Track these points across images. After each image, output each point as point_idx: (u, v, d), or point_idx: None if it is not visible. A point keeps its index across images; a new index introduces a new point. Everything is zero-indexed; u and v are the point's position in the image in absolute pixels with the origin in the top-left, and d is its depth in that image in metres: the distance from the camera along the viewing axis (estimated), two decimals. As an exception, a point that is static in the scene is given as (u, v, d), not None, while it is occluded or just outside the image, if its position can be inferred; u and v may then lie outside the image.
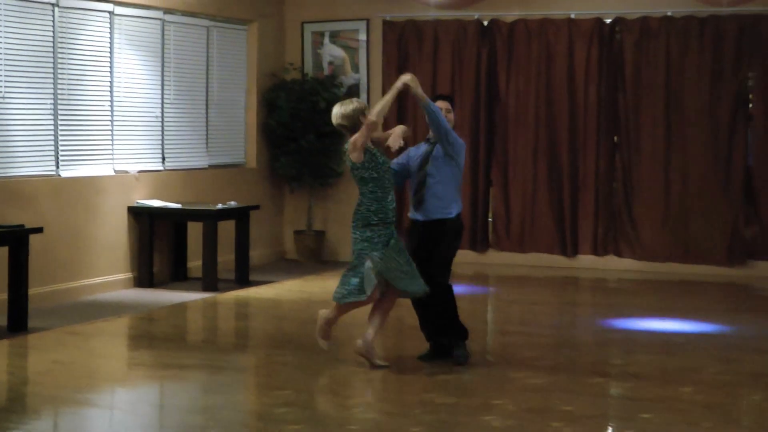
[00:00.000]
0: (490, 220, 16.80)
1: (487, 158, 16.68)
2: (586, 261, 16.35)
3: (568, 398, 9.03)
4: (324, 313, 9.94)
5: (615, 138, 16.29)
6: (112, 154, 14.06)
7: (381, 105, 9.83)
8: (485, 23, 16.67)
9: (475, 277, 15.57)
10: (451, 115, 10.17)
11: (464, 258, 16.53)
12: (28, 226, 11.72)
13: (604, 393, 9.41)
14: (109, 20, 13.93)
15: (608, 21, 16.23)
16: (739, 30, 15.65)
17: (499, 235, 16.73)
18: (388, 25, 16.96)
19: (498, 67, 16.67)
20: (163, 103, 14.90)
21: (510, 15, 16.48)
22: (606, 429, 8.36)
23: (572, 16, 16.30)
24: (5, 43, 12.45)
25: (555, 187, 16.44)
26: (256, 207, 15.30)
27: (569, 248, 16.42)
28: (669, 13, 15.83)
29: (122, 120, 14.18)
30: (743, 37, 15.67)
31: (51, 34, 13.06)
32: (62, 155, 13.29)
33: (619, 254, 16.27)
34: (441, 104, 10.06)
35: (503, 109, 16.64)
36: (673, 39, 15.93)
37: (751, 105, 15.77)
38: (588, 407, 8.79)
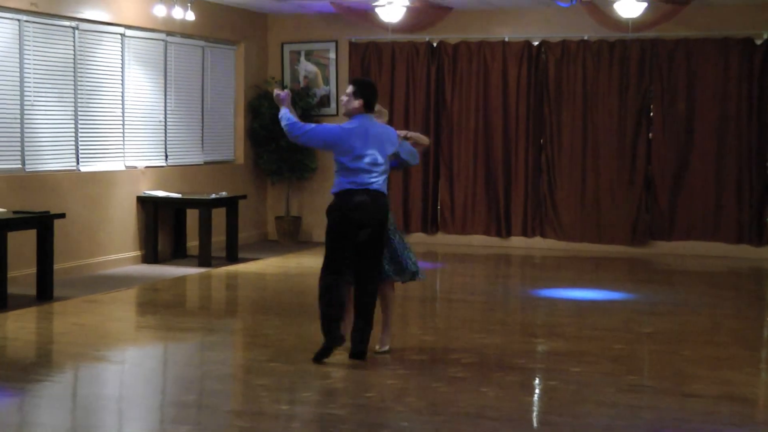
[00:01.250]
0: (438, 208, 16.83)
1: (435, 157, 16.69)
2: (517, 241, 16.39)
3: (501, 353, 9.11)
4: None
5: (541, 140, 16.31)
6: (123, 152, 14.03)
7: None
8: (434, 45, 16.67)
9: (426, 255, 15.59)
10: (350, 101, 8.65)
11: (418, 239, 16.63)
12: (52, 212, 11.66)
13: (531, 349, 9.45)
14: (120, 41, 13.89)
15: (535, 43, 16.26)
16: (641, 52, 15.72)
17: (446, 220, 16.75)
18: (353, 46, 16.96)
19: (444, 81, 16.67)
20: (165, 109, 14.87)
21: (454, 38, 16.50)
22: (534, 378, 8.41)
23: (506, 39, 16.33)
24: (35, 58, 12.41)
25: (491, 180, 16.48)
26: (244, 197, 15.29)
27: (503, 230, 16.46)
28: (585, 38, 15.88)
29: (131, 123, 14.15)
30: (644, 58, 15.73)
31: (72, 51, 13.02)
32: (81, 153, 13.26)
33: (543, 235, 16.32)
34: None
35: (448, 115, 16.66)
36: (588, 59, 15.99)
37: (651, 113, 15.84)
38: (518, 359, 8.86)
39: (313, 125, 8.65)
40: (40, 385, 7.94)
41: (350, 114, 8.64)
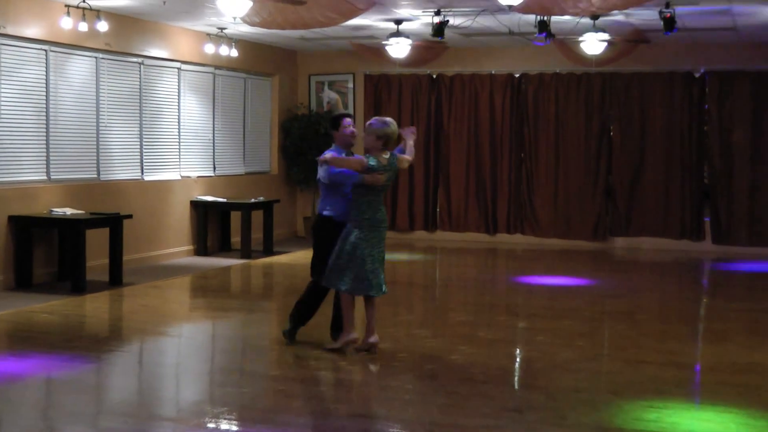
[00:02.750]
0: (437, 210, 16.85)
1: (435, 169, 16.69)
2: (502, 237, 16.36)
3: (486, 329, 9.15)
4: None
5: (521, 154, 16.30)
6: (179, 165, 14.08)
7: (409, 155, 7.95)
8: (434, 76, 16.67)
9: (427, 249, 15.62)
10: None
11: (420, 236, 16.65)
12: (121, 213, 11.73)
13: (511, 325, 9.49)
14: (177, 74, 13.94)
15: (517, 75, 16.24)
16: (603, 82, 15.69)
17: (443, 220, 16.74)
18: (367, 78, 16.97)
19: (442, 106, 16.65)
20: (213, 129, 14.91)
21: (450, 71, 16.51)
22: (515, 349, 8.45)
23: (492, 72, 16.34)
24: (108, 88, 12.46)
25: (481, 187, 16.46)
26: (278, 201, 15.33)
27: (491, 228, 16.43)
28: (557, 71, 15.88)
29: (186, 141, 14.20)
30: (605, 88, 15.69)
31: (138, 82, 13.07)
32: (145, 165, 13.30)
33: (523, 232, 16.28)
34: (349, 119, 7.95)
35: (446, 135, 16.65)
36: (560, 88, 15.98)
37: (611, 133, 15.84)
38: (500, 334, 8.90)
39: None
40: (112, 355, 8.00)
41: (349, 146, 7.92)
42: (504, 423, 5.99)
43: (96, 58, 12.23)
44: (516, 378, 7.42)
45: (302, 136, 16.40)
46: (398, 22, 12.93)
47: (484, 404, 6.39)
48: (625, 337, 8.81)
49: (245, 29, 13.53)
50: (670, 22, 11.27)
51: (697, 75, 15.31)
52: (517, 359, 8.09)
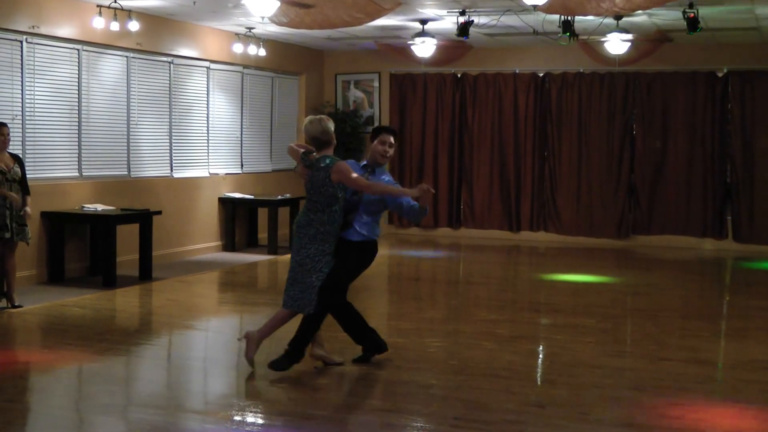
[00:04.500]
0: (461, 207, 16.84)
1: (459, 166, 16.69)
2: (525, 235, 16.35)
3: (510, 325, 9.12)
4: None
5: (545, 153, 16.27)
6: (207, 162, 14.14)
7: (382, 189, 6.93)
8: (458, 75, 16.65)
9: (451, 246, 15.60)
10: (392, 150, 7.18)
11: (444, 233, 16.64)
12: (151, 210, 11.79)
13: (534, 321, 9.47)
14: (206, 73, 13.99)
15: (541, 75, 16.21)
16: (626, 82, 15.63)
17: (467, 217, 16.73)
18: (393, 77, 16.97)
19: (466, 105, 16.65)
20: (242, 127, 14.96)
21: (475, 70, 16.49)
22: (537, 345, 8.44)
23: (516, 71, 16.30)
24: (139, 87, 12.53)
25: (504, 185, 16.45)
26: (303, 197, 15.30)
27: (514, 226, 16.43)
28: (581, 70, 15.83)
29: (214, 139, 14.25)
30: (628, 87, 15.65)
31: (168, 81, 13.13)
32: (174, 162, 13.37)
33: (546, 230, 16.26)
34: (386, 137, 7.14)
35: (470, 133, 16.64)
36: (583, 87, 15.93)
37: (634, 132, 15.77)
38: (523, 331, 8.88)
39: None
40: (141, 347, 8.04)
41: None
42: (526, 418, 5.97)
43: (127, 57, 12.29)
44: (538, 374, 7.39)
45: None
46: (423, 22, 12.93)
47: (506, 399, 6.37)
48: (647, 334, 8.76)
49: (273, 29, 13.55)
50: (693, 22, 11.19)
51: (720, 75, 15.21)
52: (540, 355, 8.06)
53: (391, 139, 7.19)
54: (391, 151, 7.20)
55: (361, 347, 7.31)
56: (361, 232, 7.03)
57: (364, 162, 7.31)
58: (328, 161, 6.95)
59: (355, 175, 6.85)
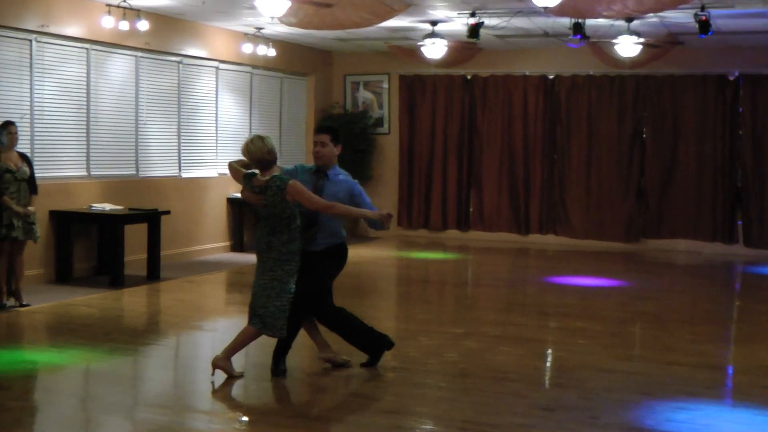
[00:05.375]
0: (470, 210, 16.82)
1: (468, 169, 16.67)
2: (534, 237, 16.32)
3: (518, 328, 9.10)
4: None
5: (554, 156, 16.25)
6: (215, 162, 14.14)
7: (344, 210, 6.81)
8: (468, 77, 16.64)
9: (460, 248, 15.59)
10: (325, 150, 7.00)
11: (453, 235, 16.63)
12: (159, 209, 11.81)
13: (543, 325, 9.45)
14: (215, 73, 14.01)
15: (550, 77, 16.19)
16: (636, 85, 15.61)
17: (476, 220, 16.71)
18: (402, 78, 16.97)
19: (476, 107, 16.63)
20: (250, 127, 14.95)
21: (485, 72, 16.47)
22: (546, 348, 8.42)
23: (526, 73, 16.28)
24: (147, 86, 12.55)
25: (513, 188, 16.42)
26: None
27: (523, 228, 16.40)
28: (591, 73, 15.80)
29: (223, 139, 14.26)
30: (638, 90, 15.62)
31: (177, 81, 13.15)
32: (183, 162, 13.38)
33: (555, 233, 16.25)
34: (317, 137, 7.01)
35: (479, 136, 16.62)
36: (593, 90, 15.91)
37: (644, 135, 15.74)
38: (532, 334, 8.86)
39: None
40: (149, 348, 8.06)
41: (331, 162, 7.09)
42: (535, 422, 5.96)
43: (135, 57, 12.31)
44: (547, 377, 7.38)
45: (337, 135, 16.41)
46: (434, 23, 12.93)
47: (515, 403, 6.36)
48: (656, 338, 8.74)
49: (282, 29, 13.56)
50: (704, 25, 11.16)
51: (730, 78, 15.18)
52: (549, 359, 8.05)
53: (324, 138, 6.96)
54: (324, 150, 6.95)
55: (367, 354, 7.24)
56: (325, 241, 6.94)
57: (313, 166, 7.05)
58: (279, 183, 6.60)
59: (313, 196, 6.61)
